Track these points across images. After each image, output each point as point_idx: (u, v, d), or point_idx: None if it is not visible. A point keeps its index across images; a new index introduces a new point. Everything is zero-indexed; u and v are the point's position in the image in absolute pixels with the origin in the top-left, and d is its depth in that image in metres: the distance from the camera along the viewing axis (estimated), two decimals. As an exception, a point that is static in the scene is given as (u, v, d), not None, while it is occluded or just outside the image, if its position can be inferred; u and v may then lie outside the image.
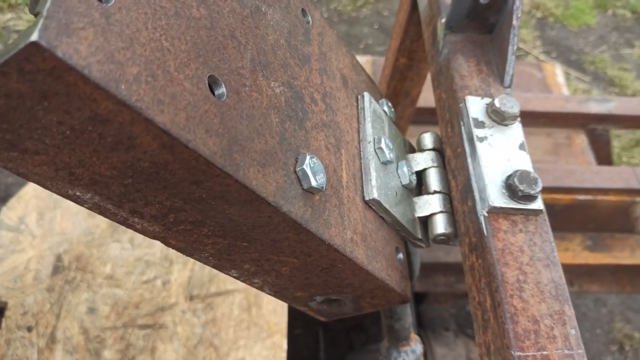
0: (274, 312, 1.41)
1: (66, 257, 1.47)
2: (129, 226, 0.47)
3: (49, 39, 0.30)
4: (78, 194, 0.43)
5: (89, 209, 0.45)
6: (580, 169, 1.54)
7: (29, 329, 1.34)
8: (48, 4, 0.30)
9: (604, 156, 1.90)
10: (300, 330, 2.36)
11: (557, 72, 2.10)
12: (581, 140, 1.86)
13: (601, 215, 1.63)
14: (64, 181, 0.41)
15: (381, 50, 3.67)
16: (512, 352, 0.54)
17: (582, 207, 1.60)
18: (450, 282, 1.87)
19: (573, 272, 1.78)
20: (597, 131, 1.82)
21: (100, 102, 0.34)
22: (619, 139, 3.36)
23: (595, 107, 1.65)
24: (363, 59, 2.09)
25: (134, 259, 1.47)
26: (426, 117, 1.63)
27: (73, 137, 0.36)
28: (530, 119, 1.64)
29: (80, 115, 0.34)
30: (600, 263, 1.68)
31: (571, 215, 1.62)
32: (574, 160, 1.80)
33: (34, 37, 0.29)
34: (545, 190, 1.51)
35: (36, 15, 0.31)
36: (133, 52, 0.35)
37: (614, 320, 2.73)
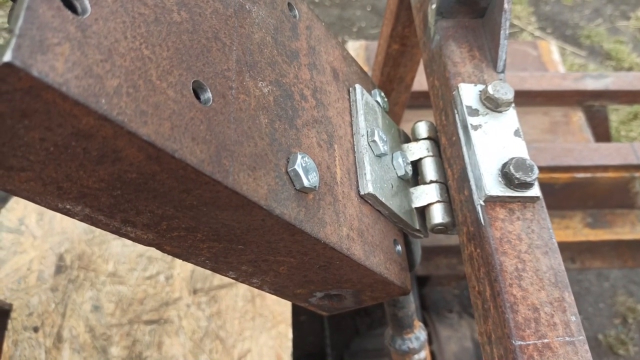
0: (278, 301, 1.41)
1: (68, 256, 1.47)
2: (122, 235, 0.47)
3: (23, 58, 0.29)
4: (68, 207, 0.42)
5: (81, 220, 0.44)
6: (579, 147, 1.53)
7: (35, 330, 1.35)
8: (20, 22, 0.29)
9: (601, 132, 1.89)
10: (305, 316, 2.38)
11: (553, 49, 2.08)
12: (578, 117, 1.85)
13: (601, 192, 1.62)
14: (53, 195, 0.40)
15: (375, 33, 3.64)
16: (513, 342, 0.54)
17: (582, 185, 1.59)
18: (452, 264, 1.87)
19: (574, 249, 1.78)
20: (595, 107, 1.80)
21: (81, 117, 0.33)
22: (617, 112, 3.34)
23: (591, 84, 1.63)
24: (356, 44, 2.07)
25: (136, 255, 1.47)
26: (421, 101, 1.62)
27: (57, 153, 0.36)
28: (527, 98, 1.62)
29: (62, 132, 0.34)
30: (602, 239, 1.68)
31: (571, 193, 1.62)
32: (572, 138, 1.79)
33: (7, 57, 0.28)
34: (544, 169, 1.50)
35: (11, 31, 0.30)
36: (112, 64, 0.35)
37: (617, 293, 2.74)
